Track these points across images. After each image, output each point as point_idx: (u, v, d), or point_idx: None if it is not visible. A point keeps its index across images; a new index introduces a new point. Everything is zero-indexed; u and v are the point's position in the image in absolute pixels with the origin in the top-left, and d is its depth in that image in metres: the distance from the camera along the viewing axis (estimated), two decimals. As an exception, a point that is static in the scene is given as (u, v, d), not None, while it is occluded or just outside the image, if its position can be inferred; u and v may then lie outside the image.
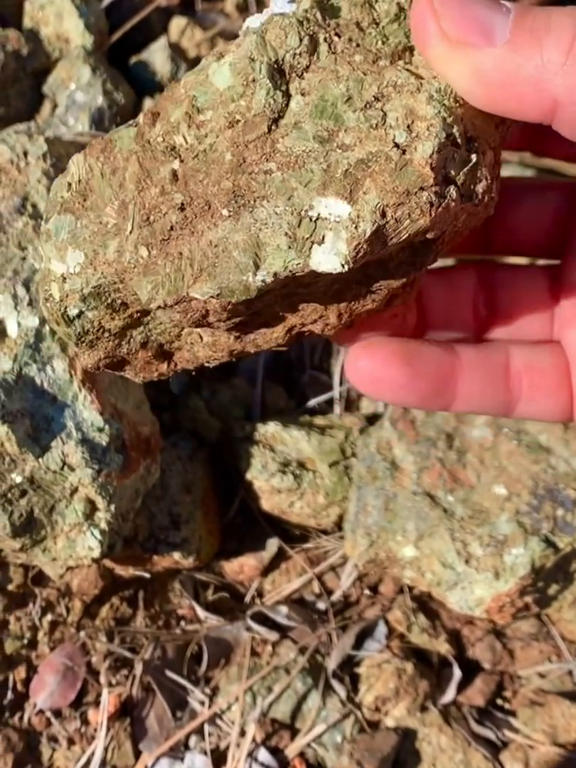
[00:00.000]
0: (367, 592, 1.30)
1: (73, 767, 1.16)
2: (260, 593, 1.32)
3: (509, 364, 0.60)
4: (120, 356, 0.57)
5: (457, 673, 1.21)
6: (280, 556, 1.33)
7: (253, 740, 1.17)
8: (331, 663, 1.22)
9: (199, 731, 1.19)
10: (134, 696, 1.20)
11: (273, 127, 0.48)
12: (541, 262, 0.67)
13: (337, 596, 1.30)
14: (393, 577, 1.27)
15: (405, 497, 1.17)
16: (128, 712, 1.20)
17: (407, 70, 0.48)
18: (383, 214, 0.47)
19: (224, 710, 1.20)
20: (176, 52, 1.64)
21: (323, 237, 0.48)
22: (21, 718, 1.20)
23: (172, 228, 0.49)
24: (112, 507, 1.08)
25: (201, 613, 1.27)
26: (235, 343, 0.56)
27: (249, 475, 1.27)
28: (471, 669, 1.25)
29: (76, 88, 1.51)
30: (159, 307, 0.51)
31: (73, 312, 0.52)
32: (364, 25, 0.49)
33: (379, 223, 0.47)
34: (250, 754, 1.16)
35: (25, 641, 1.24)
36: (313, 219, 0.48)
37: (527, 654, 1.26)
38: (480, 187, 0.50)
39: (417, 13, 0.46)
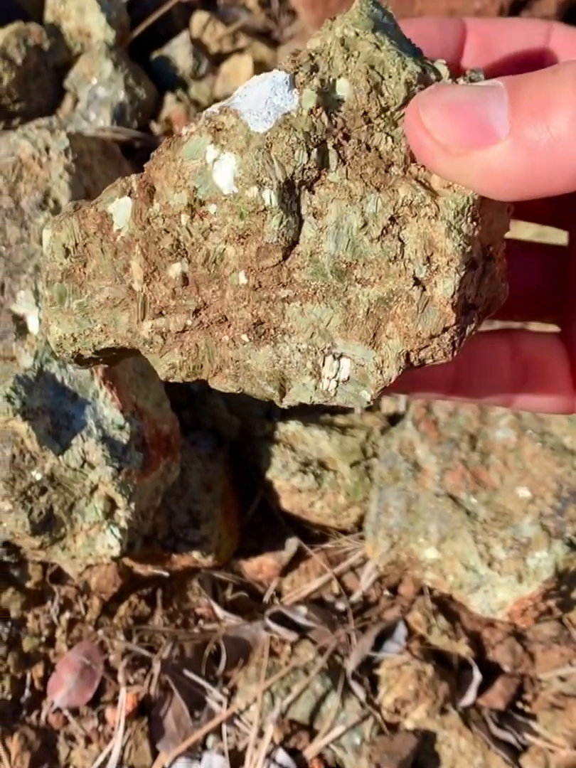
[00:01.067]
0: (386, 593, 1.29)
1: (90, 766, 1.16)
2: (279, 593, 1.31)
3: (513, 353, 0.59)
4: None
5: (477, 675, 1.21)
6: (299, 556, 1.33)
7: (272, 741, 1.16)
8: (351, 664, 1.21)
9: (217, 731, 1.18)
10: (152, 695, 1.20)
11: (288, 255, 0.47)
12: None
13: (356, 597, 1.29)
14: (413, 578, 1.26)
15: (427, 498, 1.16)
16: (146, 711, 1.20)
17: (420, 182, 0.46)
18: (407, 359, 0.47)
19: (242, 710, 1.19)
20: (198, 47, 1.63)
21: (348, 377, 0.48)
22: (38, 717, 1.19)
23: (186, 326, 0.49)
24: (132, 505, 1.07)
25: (219, 612, 1.27)
26: None
27: (269, 474, 1.26)
28: (491, 672, 1.24)
29: (97, 83, 1.50)
30: None
31: (86, 356, 0.53)
32: (372, 115, 0.47)
33: (403, 367, 0.47)
34: (268, 755, 1.15)
35: (43, 639, 1.23)
36: (337, 357, 0.48)
37: (548, 657, 1.25)
38: (500, 291, 0.50)
39: (410, 134, 0.44)
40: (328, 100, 0.47)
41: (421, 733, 1.17)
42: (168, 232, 0.48)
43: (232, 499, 1.32)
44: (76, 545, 1.08)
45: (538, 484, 1.14)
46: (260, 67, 1.60)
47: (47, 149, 1.16)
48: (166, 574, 1.26)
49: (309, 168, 0.46)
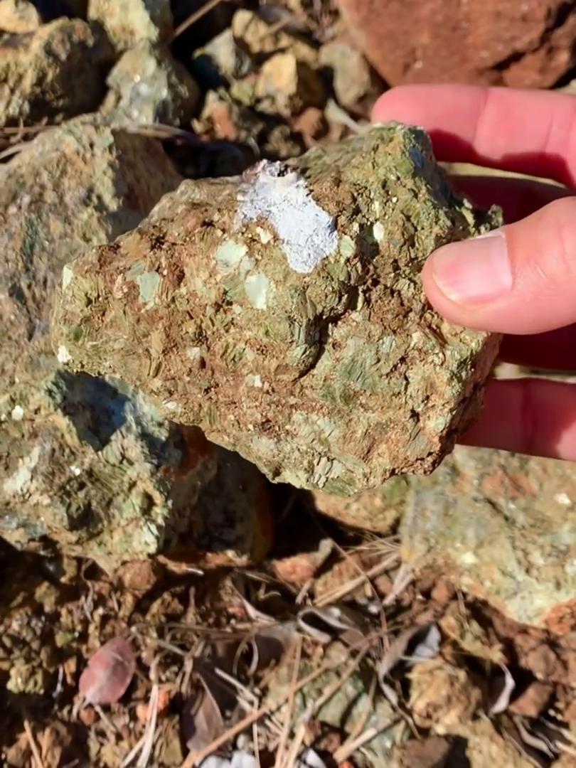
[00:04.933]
0: (420, 597, 1.29)
1: (120, 763, 1.16)
2: (312, 594, 1.31)
3: (526, 400, 0.63)
4: None
5: (509, 682, 1.20)
6: (333, 558, 1.32)
7: (302, 742, 1.16)
8: (383, 667, 1.21)
9: (248, 731, 1.18)
10: (183, 693, 1.20)
11: (304, 375, 0.51)
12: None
13: (389, 600, 1.29)
14: (447, 582, 1.25)
15: (465, 503, 1.16)
16: (177, 709, 1.20)
17: (431, 329, 0.51)
18: (392, 473, 0.52)
19: (273, 711, 1.19)
20: (240, 46, 1.63)
21: (337, 477, 0.53)
22: (70, 712, 1.19)
23: (195, 394, 0.53)
24: (170, 502, 1.07)
25: (252, 612, 1.27)
26: None
27: (305, 475, 1.25)
28: (524, 678, 1.23)
29: (140, 81, 1.50)
30: None
31: (90, 374, 0.56)
32: (401, 264, 0.51)
33: (386, 478, 0.52)
34: (299, 757, 1.15)
35: (76, 634, 1.24)
36: (330, 459, 0.53)
37: (581, 665, 1.24)
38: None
39: (429, 295, 0.50)
40: (363, 246, 0.50)
41: (453, 739, 1.17)
42: (192, 318, 0.51)
43: (267, 499, 1.32)
44: (112, 541, 1.08)
45: (578, 491, 1.14)
46: (302, 67, 1.60)
47: (91, 145, 1.16)
48: (199, 572, 1.26)
49: (337, 307, 0.50)
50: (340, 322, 0.51)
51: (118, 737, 1.18)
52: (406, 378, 0.51)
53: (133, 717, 1.19)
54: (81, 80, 1.52)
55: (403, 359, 0.51)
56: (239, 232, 0.50)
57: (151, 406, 1.07)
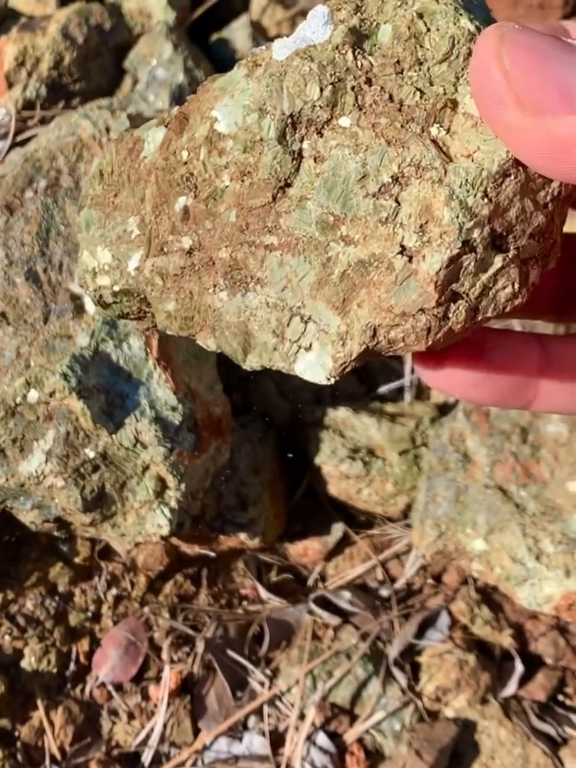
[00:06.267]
0: (430, 581, 1.30)
1: (132, 741, 1.17)
2: (323, 577, 1.32)
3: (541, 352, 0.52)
4: None
5: (519, 667, 1.21)
6: (344, 541, 1.33)
7: (312, 724, 1.17)
8: (393, 651, 1.22)
9: (259, 712, 1.19)
10: (195, 674, 1.21)
11: (278, 196, 0.43)
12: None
13: (400, 584, 1.29)
14: (457, 568, 1.26)
15: (476, 490, 1.17)
16: (188, 689, 1.21)
17: (436, 144, 0.41)
18: (374, 334, 0.43)
19: (284, 692, 1.20)
20: (257, 30, 1.63)
21: (311, 345, 0.44)
22: (82, 691, 1.21)
23: (182, 268, 0.46)
24: (183, 486, 1.08)
25: (264, 593, 1.28)
26: None
27: (318, 460, 1.26)
28: (533, 664, 1.24)
29: (157, 65, 1.51)
30: None
31: (108, 301, 0.51)
32: (405, 65, 0.42)
33: (367, 343, 0.43)
34: (309, 738, 1.16)
35: (89, 614, 1.25)
36: (304, 320, 0.44)
37: (590, 651, 1.25)
38: (503, 295, 0.44)
39: (481, 70, 0.37)
40: (362, 42, 0.42)
41: (462, 722, 1.18)
42: (185, 164, 0.45)
43: (280, 483, 1.33)
44: (126, 523, 1.09)
45: (589, 479, 1.14)
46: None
47: (108, 130, 1.17)
48: (212, 554, 1.27)
49: (319, 106, 0.42)
50: (326, 131, 0.42)
51: (130, 716, 1.20)
52: (397, 201, 0.41)
53: (145, 696, 1.21)
54: (98, 64, 1.52)
55: (395, 178, 0.41)
56: (245, 61, 0.45)
57: (165, 390, 1.08)
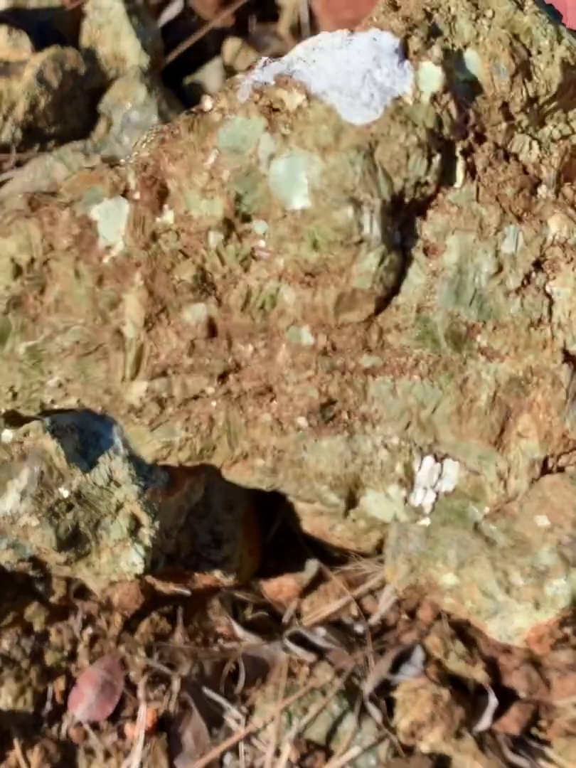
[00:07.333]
0: (404, 616, 1.30)
1: (108, 780, 1.17)
2: (298, 614, 1.32)
3: None
4: None
5: (493, 700, 1.21)
6: (319, 578, 1.34)
7: (288, 760, 1.17)
8: (368, 686, 1.22)
9: (235, 749, 1.20)
10: (171, 712, 1.21)
11: (382, 307, 0.30)
12: None
13: (374, 620, 1.30)
14: (431, 602, 1.27)
15: (447, 524, 1.18)
16: (165, 727, 1.21)
17: None
18: (544, 468, 0.31)
19: (260, 729, 1.20)
20: (230, 73, 1.66)
21: (454, 489, 0.32)
22: (59, 730, 1.21)
23: (202, 393, 0.31)
24: (157, 524, 1.09)
25: (239, 631, 1.28)
26: None
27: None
28: (507, 697, 1.25)
29: (131, 108, 1.53)
30: None
31: (25, 415, 0.36)
32: (514, 108, 0.30)
33: (536, 479, 0.31)
34: (285, 774, 1.16)
35: (65, 653, 1.25)
36: (439, 458, 0.30)
37: (564, 684, 1.26)
38: None
39: None
40: (454, 82, 0.30)
41: (437, 757, 1.18)
42: (188, 257, 0.31)
43: (254, 520, 1.33)
44: (100, 562, 1.10)
45: (557, 512, 1.15)
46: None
47: (81, 173, 1.19)
48: (187, 592, 1.27)
49: (426, 183, 0.30)
50: (431, 210, 0.29)
51: (107, 755, 1.20)
52: (547, 295, 0.29)
53: (122, 735, 1.21)
54: (73, 107, 1.54)
55: (538, 264, 0.29)
56: (250, 101, 0.29)
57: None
